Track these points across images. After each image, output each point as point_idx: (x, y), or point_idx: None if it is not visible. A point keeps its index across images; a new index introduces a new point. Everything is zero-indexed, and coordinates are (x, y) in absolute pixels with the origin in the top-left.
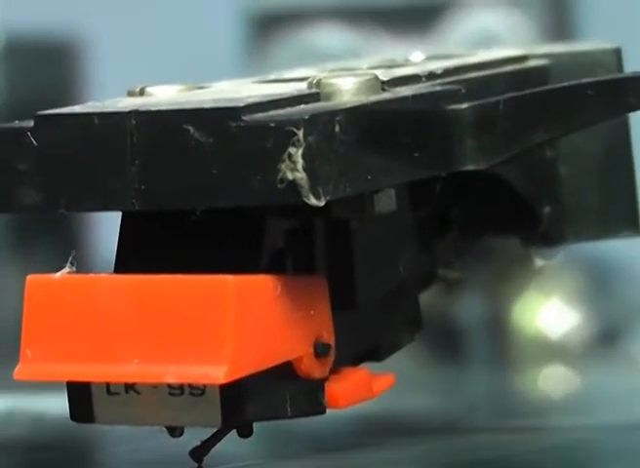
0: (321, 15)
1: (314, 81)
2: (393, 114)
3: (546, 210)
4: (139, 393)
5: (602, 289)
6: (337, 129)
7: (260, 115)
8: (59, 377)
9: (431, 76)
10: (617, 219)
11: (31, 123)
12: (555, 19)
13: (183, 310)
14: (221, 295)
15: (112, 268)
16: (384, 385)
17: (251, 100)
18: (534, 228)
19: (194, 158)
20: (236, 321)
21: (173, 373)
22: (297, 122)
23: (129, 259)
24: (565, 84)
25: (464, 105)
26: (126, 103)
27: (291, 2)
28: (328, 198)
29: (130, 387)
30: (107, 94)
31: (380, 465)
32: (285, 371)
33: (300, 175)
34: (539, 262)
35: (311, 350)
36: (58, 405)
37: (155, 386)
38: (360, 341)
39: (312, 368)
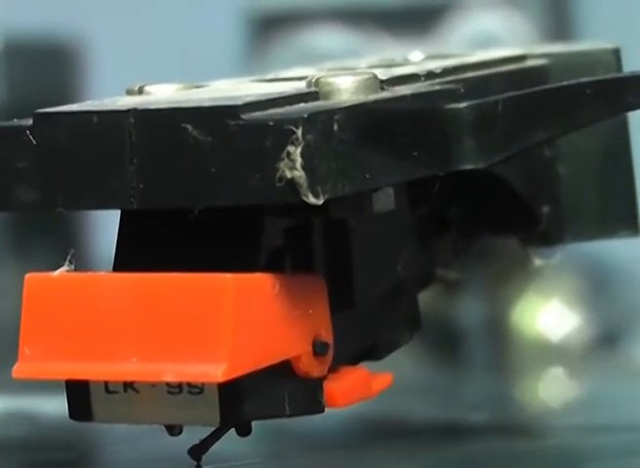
0: (321, 16)
1: (313, 80)
2: (392, 113)
3: (545, 209)
4: (137, 391)
5: (602, 291)
6: (335, 127)
7: (258, 114)
8: (57, 376)
9: (430, 75)
10: (616, 219)
11: (30, 121)
12: (555, 20)
13: (182, 308)
14: (220, 294)
15: (111, 267)
16: (383, 384)
17: (249, 99)
18: (532, 228)
19: (193, 156)
20: (234, 319)
21: (171, 372)
22: (295, 120)
23: (127, 258)
24: (564, 83)
25: (463, 105)
26: (125, 102)
27: (291, 3)
28: (326, 196)
29: (128, 386)
30: (107, 94)
31: (378, 465)
32: (283, 370)
33: (299, 174)
34: (537, 262)
35: (310, 349)
36: (57, 405)
37: (154, 385)
38: (358, 340)
39: (311, 366)
